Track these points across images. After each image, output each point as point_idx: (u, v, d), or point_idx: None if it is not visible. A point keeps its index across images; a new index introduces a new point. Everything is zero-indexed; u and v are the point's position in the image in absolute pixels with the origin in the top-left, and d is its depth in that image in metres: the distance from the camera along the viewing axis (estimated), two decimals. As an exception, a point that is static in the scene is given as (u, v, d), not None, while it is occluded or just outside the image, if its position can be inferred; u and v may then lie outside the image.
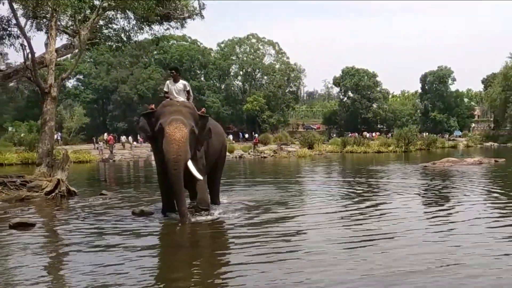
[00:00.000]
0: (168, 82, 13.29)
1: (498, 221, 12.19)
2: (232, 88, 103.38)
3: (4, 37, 22.39)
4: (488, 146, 75.10)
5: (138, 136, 68.55)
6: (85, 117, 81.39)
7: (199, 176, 12.27)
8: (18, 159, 42.66)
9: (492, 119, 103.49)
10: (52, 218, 13.95)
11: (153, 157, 47.51)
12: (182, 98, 12.78)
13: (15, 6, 19.52)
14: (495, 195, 17.17)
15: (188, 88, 13.24)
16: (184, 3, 26.20)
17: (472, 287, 6.90)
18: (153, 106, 12.81)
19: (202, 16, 27.14)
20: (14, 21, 20.66)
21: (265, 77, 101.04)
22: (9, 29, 22.03)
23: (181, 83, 13.15)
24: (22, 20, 20.65)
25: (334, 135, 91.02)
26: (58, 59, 23.51)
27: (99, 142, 57.12)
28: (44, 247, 9.98)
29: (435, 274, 7.44)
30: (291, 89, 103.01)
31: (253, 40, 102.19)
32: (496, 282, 7.12)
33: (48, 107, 20.99)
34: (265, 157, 50.52)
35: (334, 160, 45.02)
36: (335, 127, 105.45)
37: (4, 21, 21.65)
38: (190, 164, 11.84)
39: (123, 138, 62.60)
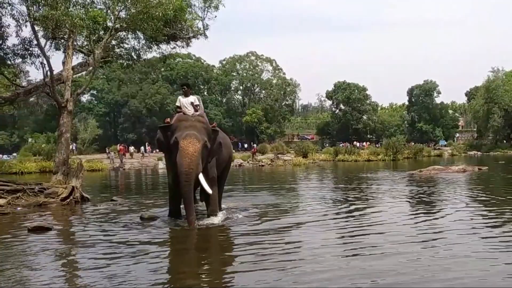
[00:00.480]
0: (180, 97, 13.28)
1: (482, 224, 12.19)
2: (233, 101, 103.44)
3: (26, 56, 22.46)
4: (471, 155, 74.68)
5: (145, 146, 69.25)
6: (97, 129, 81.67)
7: (209, 190, 12.25)
8: (36, 168, 42.77)
9: (475, 129, 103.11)
10: (67, 223, 14.00)
11: (160, 166, 48.08)
12: (192, 111, 12.80)
13: (36, 28, 19.58)
14: (479, 200, 17.11)
15: (197, 102, 13.15)
16: (189, 24, 26.33)
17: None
18: (168, 120, 12.76)
19: (206, 36, 27.28)
20: (35, 42, 20.72)
21: (263, 92, 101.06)
22: (30, 49, 22.11)
23: (191, 97, 13.11)
24: (42, 41, 20.74)
25: (327, 145, 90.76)
26: (74, 76, 23.63)
27: (110, 152, 57.02)
28: (59, 249, 9.99)
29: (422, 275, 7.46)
30: (287, 102, 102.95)
31: (252, 58, 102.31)
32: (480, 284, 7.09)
33: (64, 120, 21.06)
34: (262, 166, 50.38)
35: (327, 168, 44.90)
36: (327, 137, 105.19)
37: (27, 42, 21.74)
38: (201, 177, 11.78)
39: (131, 148, 62.51)
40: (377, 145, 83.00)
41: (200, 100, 13.57)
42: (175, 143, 11.70)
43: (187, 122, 12.14)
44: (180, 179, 11.38)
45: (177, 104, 13.25)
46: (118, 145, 63.91)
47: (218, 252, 9.85)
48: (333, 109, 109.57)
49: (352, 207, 15.49)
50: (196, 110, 12.93)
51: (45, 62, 20.37)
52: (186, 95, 13.15)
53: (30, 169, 42.14)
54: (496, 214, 13.79)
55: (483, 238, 10.40)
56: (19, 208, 16.27)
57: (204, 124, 12.55)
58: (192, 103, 12.95)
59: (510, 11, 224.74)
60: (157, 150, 70.64)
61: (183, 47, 27.82)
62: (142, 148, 69.14)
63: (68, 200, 17.59)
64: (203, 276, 7.84)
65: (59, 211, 16.17)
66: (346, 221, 12.77)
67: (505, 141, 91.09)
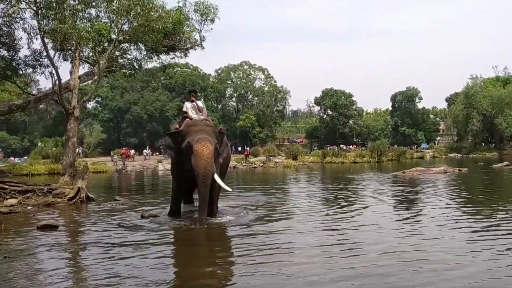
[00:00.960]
0: (186, 103, 13.42)
1: (460, 221, 12.24)
2: (227, 107, 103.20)
3: (36, 66, 22.64)
4: (452, 157, 74.58)
5: (146, 150, 69.26)
6: (102, 134, 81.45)
7: (228, 188, 12.39)
8: (45, 170, 42.48)
9: (455, 133, 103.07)
10: (73, 221, 13.97)
11: (159, 168, 48.04)
12: (197, 116, 12.94)
13: (46, 40, 19.70)
14: (459, 199, 17.20)
15: (201, 105, 13.39)
16: (187, 36, 26.42)
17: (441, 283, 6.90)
18: (177, 126, 12.80)
19: (202, 47, 27.37)
20: (45, 53, 20.80)
21: (256, 98, 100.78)
22: (40, 60, 22.25)
23: (196, 103, 13.29)
24: (51, 52, 20.79)
25: (315, 148, 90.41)
26: (81, 85, 23.68)
27: (114, 155, 56.90)
28: (66, 246, 10.04)
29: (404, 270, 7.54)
30: (278, 108, 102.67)
31: (246, 67, 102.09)
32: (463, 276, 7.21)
33: (71, 125, 21.07)
34: (255, 167, 50.31)
35: (315, 169, 44.78)
36: (316, 141, 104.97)
37: (37, 53, 21.90)
38: (216, 177, 11.79)
39: (131, 151, 62.39)
40: (362, 148, 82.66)
41: (204, 105, 13.69)
42: (188, 147, 11.69)
43: (196, 127, 12.18)
44: (198, 181, 11.34)
45: (184, 109, 13.39)
46: (124, 149, 64.09)
47: (217, 248, 9.83)
48: (321, 114, 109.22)
49: (340, 206, 15.47)
50: (202, 112, 13.18)
51: (54, 72, 20.46)
52: (192, 101, 13.28)
53: (40, 171, 41.92)
54: (475, 212, 13.93)
55: (466, 233, 10.55)
56: (29, 207, 16.31)
57: (212, 127, 12.67)
58: (197, 106, 13.15)
59: (486, 21, 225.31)
60: (157, 153, 71.37)
61: (181, 57, 27.97)
62: (145, 151, 69.38)
63: (74, 200, 17.63)
64: (206, 274, 7.83)
65: (66, 210, 16.17)
66: (334, 220, 12.76)
67: (483, 144, 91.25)
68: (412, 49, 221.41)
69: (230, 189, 12.90)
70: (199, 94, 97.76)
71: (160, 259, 8.52)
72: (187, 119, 12.90)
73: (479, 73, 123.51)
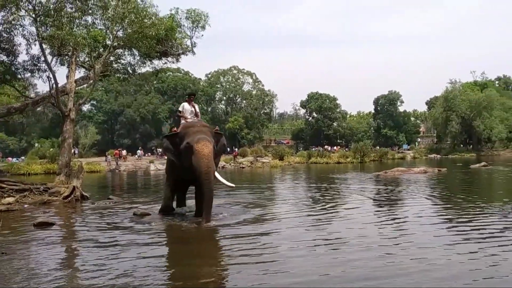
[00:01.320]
0: (184, 104, 13.51)
1: (440, 218, 12.48)
2: (217, 110, 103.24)
3: (34, 71, 22.84)
4: (432, 158, 74.84)
5: (139, 151, 69.21)
6: (96, 135, 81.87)
7: (231, 184, 12.56)
8: (42, 170, 42.47)
9: (435, 134, 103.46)
10: (68, 218, 13.98)
11: (151, 168, 47.94)
12: (192, 118, 13.09)
13: (44, 46, 19.79)
14: (439, 197, 17.34)
15: (197, 110, 13.55)
16: (179, 42, 26.44)
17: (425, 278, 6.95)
18: (175, 129, 12.78)
19: (193, 53, 27.41)
20: (42, 59, 20.95)
21: (244, 101, 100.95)
22: (38, 64, 22.46)
23: (194, 106, 13.46)
24: (49, 58, 20.97)
25: (301, 149, 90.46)
26: (77, 88, 23.68)
27: (108, 156, 56.85)
28: (61, 242, 10.05)
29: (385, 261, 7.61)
30: (265, 111, 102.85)
31: (235, 71, 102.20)
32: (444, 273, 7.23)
33: (67, 127, 21.04)
34: (243, 167, 50.34)
35: (300, 169, 44.80)
36: (301, 142, 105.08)
37: (35, 58, 22.12)
38: (217, 174, 11.89)
39: (123, 152, 62.25)
40: (346, 149, 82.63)
41: (199, 109, 13.82)
42: (188, 147, 11.65)
43: (194, 128, 12.19)
44: (201, 179, 11.32)
45: (180, 109, 13.46)
46: (118, 150, 64.10)
47: (205, 245, 9.87)
48: (307, 116, 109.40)
49: (325, 205, 15.45)
50: (198, 116, 13.37)
51: (51, 76, 20.51)
52: (190, 103, 13.45)
53: (36, 170, 41.86)
54: (454, 210, 14.12)
55: (444, 229, 10.62)
56: (26, 206, 16.33)
57: (209, 128, 12.77)
58: (194, 111, 13.34)
59: (466, 28, 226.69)
60: (149, 154, 71.19)
61: (173, 62, 27.99)
62: (139, 151, 69.44)
63: (69, 198, 17.63)
64: (197, 271, 7.82)
65: (61, 208, 16.16)
66: (319, 218, 12.78)
67: (462, 145, 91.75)
68: (394, 54, 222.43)
69: (233, 185, 12.98)
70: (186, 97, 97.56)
71: (153, 257, 8.49)
72: (184, 121, 12.93)
73: (458, 77, 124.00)
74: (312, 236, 10.12)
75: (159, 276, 7.14)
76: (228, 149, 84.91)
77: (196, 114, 13.47)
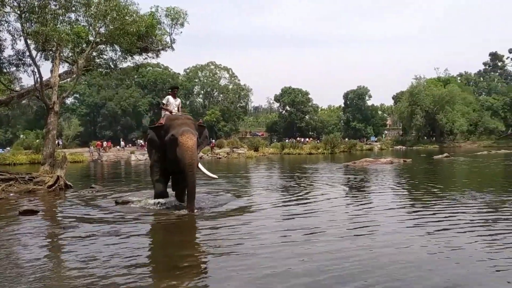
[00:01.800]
0: (169, 97, 13.44)
1: (404, 206, 12.61)
2: (195, 104, 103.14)
3: (20, 65, 22.53)
4: (397, 149, 75.58)
5: (122, 142, 69.02)
6: (79, 127, 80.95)
7: (214, 176, 12.61)
8: (27, 160, 42.12)
9: (400, 127, 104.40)
10: (52, 206, 13.89)
11: (132, 158, 47.76)
12: (176, 111, 13.14)
13: (29, 41, 19.53)
14: (403, 186, 17.69)
15: (180, 104, 13.68)
16: (158, 39, 26.23)
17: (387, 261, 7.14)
18: (162, 121, 12.60)
19: (172, 49, 27.21)
20: (27, 53, 20.60)
21: (221, 95, 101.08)
22: (23, 59, 22.14)
23: (177, 99, 13.50)
24: (34, 53, 20.69)
25: (275, 140, 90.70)
26: (60, 82, 23.38)
27: (90, 147, 56.58)
28: (45, 229, 10.03)
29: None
30: (241, 104, 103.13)
31: (212, 67, 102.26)
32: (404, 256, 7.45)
33: (51, 119, 20.85)
34: (220, 158, 50.19)
35: (274, 160, 44.94)
36: (275, 134, 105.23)
37: (20, 53, 21.86)
38: (201, 166, 11.85)
39: (104, 143, 62.02)
40: (317, 140, 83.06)
41: (179, 102, 13.83)
42: (172, 139, 11.55)
43: (179, 120, 12.12)
44: (185, 170, 11.25)
45: (164, 101, 13.41)
46: (104, 141, 63.83)
47: (188, 235, 9.92)
48: (280, 110, 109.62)
49: (297, 193, 15.61)
50: (179, 110, 13.44)
51: (36, 70, 20.20)
52: (174, 96, 13.44)
53: (21, 161, 41.41)
54: (417, 197, 14.44)
55: (408, 215, 10.75)
56: (11, 194, 16.21)
57: (192, 120, 12.65)
58: (179, 105, 13.48)
59: (432, 29, 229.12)
60: (130, 145, 70.88)
61: (153, 57, 27.66)
62: (122, 143, 69.66)
63: (53, 187, 17.55)
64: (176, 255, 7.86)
65: (46, 197, 16.00)
66: (292, 206, 12.91)
67: (425, 138, 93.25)
68: (363, 52, 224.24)
69: (216, 176, 12.97)
70: (169, 91, 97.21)
71: (137, 241, 8.53)
72: (168, 114, 12.87)
73: (423, 74, 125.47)
74: (286, 226, 10.18)
75: (142, 262, 7.16)
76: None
77: (178, 108, 13.47)
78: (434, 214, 10.92)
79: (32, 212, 11.88)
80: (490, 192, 14.71)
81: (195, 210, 11.29)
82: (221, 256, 7.42)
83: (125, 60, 26.56)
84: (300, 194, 15.35)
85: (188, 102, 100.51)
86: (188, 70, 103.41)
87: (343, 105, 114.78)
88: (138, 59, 27.13)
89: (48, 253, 7.89)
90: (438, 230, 9.03)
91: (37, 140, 55.43)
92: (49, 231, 9.85)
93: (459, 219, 10.18)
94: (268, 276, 6.24)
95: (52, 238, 9.22)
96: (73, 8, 20.35)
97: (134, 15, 22.08)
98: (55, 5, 19.36)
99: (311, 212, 11.64)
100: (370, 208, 12.29)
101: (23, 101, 42.24)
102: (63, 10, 19.55)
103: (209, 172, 12.37)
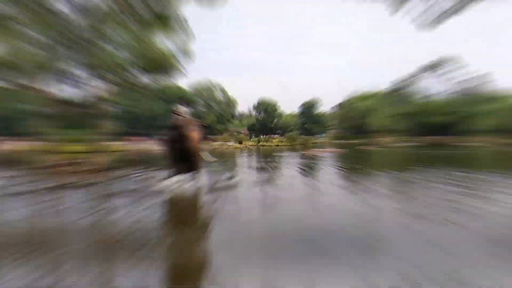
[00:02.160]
0: (179, 105, 13.33)
1: (343, 179, 12.90)
2: (198, 111, 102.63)
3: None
4: (338, 143, 75.54)
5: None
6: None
7: (212, 158, 12.69)
8: None
9: (340, 127, 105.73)
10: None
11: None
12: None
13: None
14: (340, 166, 18.06)
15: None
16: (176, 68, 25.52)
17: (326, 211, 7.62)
18: (176, 122, 12.19)
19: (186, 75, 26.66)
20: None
21: (216, 105, 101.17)
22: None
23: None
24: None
25: (253, 136, 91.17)
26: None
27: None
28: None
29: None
30: (230, 111, 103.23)
31: (209, 84, 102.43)
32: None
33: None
34: (215, 148, 49.97)
35: (253, 150, 44.88)
36: (254, 132, 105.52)
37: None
38: (202, 153, 11.82)
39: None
40: (282, 137, 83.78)
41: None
42: (182, 135, 11.39)
43: (186, 121, 11.89)
44: (191, 158, 11.32)
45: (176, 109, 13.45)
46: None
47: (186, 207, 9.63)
48: (257, 115, 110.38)
49: (269, 171, 15.79)
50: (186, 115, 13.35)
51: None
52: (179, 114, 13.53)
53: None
54: (352, 173, 14.83)
55: (345, 186, 11.15)
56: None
57: (197, 121, 12.46)
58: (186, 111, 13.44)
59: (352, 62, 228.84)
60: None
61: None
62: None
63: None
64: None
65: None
66: (265, 180, 13.11)
67: (358, 134, 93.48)
68: (319, 67, 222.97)
69: (215, 159, 12.90)
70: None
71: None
72: (179, 117, 12.52)
73: (359, 89, 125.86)
74: (259, 195, 10.43)
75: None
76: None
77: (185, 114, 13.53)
78: (364, 185, 11.39)
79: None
80: (394, 170, 15.36)
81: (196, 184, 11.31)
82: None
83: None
84: (271, 172, 15.51)
85: (193, 110, 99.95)
86: (193, 87, 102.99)
87: (300, 112, 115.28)
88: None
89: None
90: (369, 198, 9.54)
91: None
92: None
93: (385, 190, 10.64)
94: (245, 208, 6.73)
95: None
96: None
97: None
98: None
99: (278, 187, 11.86)
100: (318, 180, 12.57)
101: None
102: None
103: (208, 157, 12.41)
